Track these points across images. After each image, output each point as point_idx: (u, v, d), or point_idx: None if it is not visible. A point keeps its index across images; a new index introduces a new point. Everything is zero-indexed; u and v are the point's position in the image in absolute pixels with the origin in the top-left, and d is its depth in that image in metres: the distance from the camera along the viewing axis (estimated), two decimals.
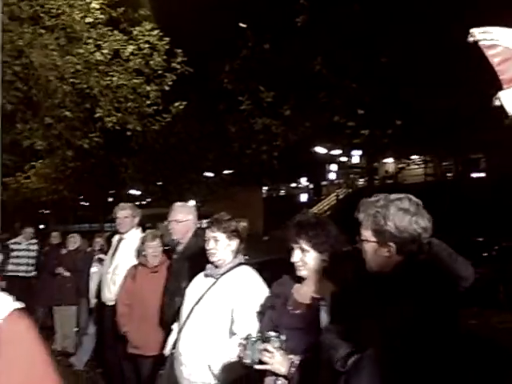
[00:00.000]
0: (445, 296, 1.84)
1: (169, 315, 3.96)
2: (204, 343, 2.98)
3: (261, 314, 2.74)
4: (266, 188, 35.09)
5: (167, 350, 3.41)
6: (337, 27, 12.94)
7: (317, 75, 13.43)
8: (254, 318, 2.78)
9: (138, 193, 26.26)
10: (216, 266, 3.15)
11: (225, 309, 2.98)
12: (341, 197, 31.99)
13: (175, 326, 3.38)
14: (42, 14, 9.40)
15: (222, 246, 3.13)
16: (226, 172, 26.57)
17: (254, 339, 2.31)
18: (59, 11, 9.51)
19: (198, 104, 18.93)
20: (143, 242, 4.65)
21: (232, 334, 2.90)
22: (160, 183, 24.01)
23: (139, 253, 4.71)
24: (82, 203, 28.59)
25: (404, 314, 1.70)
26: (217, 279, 3.12)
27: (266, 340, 2.28)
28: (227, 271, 3.12)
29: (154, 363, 4.15)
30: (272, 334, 2.30)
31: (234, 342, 2.76)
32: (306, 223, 2.49)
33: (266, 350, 2.25)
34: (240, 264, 3.16)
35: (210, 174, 25.83)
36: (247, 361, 2.30)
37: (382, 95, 13.24)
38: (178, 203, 4.42)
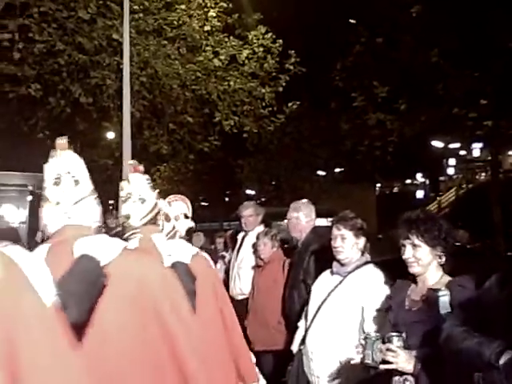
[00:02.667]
0: None
1: (290, 309, 4.07)
2: (333, 341, 3.01)
3: (379, 315, 2.75)
4: (378, 185, 34.27)
5: (295, 346, 3.46)
6: (455, 15, 12.29)
7: (434, 67, 12.85)
8: (385, 319, 2.77)
9: (253, 192, 26.87)
10: (342, 264, 3.16)
11: (354, 307, 2.98)
12: (461, 192, 30.31)
13: (302, 323, 3.44)
14: (164, 26, 10.02)
15: (349, 244, 3.12)
16: (337, 170, 26.35)
17: (373, 338, 2.28)
18: (180, 22, 10.08)
19: (310, 103, 19.00)
20: (257, 238, 4.79)
21: (363, 332, 2.90)
22: (273, 182, 24.43)
23: (254, 248, 4.87)
24: (201, 203, 29.88)
25: None
26: (344, 277, 3.12)
27: (387, 340, 2.24)
28: (354, 269, 3.12)
29: (275, 358, 4.26)
30: (393, 333, 2.27)
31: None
32: (417, 218, 2.44)
33: (388, 349, 2.23)
34: (367, 263, 3.15)
35: (322, 173, 25.78)
36: (368, 361, 2.27)
37: (508, 83, 12.36)
38: (297, 201, 4.49)
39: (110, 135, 13.89)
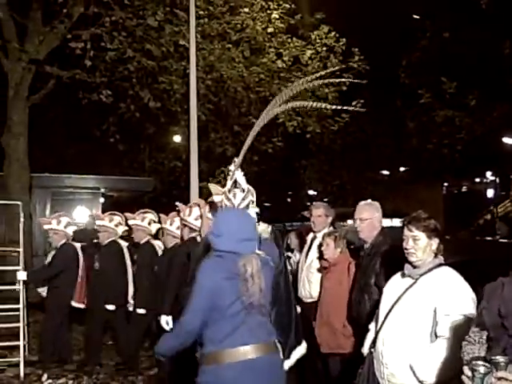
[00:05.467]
0: None
1: (358, 312, 4.02)
2: (405, 344, 2.95)
3: (458, 320, 2.64)
4: (446, 184, 33.15)
5: (365, 349, 3.42)
6: None
7: (505, 60, 12.31)
8: (459, 322, 2.68)
9: (316, 193, 26.74)
10: (414, 267, 3.09)
11: (426, 310, 2.90)
12: None
13: (372, 326, 3.39)
14: (229, 30, 10.17)
15: (421, 246, 3.03)
16: (402, 169, 25.76)
17: (482, 372, 1.91)
18: (244, 25, 10.20)
19: (374, 101, 18.71)
20: (322, 238, 4.73)
21: (435, 336, 2.83)
22: (336, 183, 24.24)
23: (320, 250, 4.82)
24: (264, 204, 30.08)
25: None
26: (416, 280, 3.04)
27: (494, 366, 1.89)
28: (427, 272, 3.03)
29: (342, 361, 4.23)
30: (500, 359, 1.93)
31: (438, 344, 2.71)
32: None
33: (502, 378, 1.88)
34: (440, 265, 3.07)
35: (386, 172, 25.31)
36: None
37: None
38: (363, 202, 4.40)
39: (177, 138, 14.26)
